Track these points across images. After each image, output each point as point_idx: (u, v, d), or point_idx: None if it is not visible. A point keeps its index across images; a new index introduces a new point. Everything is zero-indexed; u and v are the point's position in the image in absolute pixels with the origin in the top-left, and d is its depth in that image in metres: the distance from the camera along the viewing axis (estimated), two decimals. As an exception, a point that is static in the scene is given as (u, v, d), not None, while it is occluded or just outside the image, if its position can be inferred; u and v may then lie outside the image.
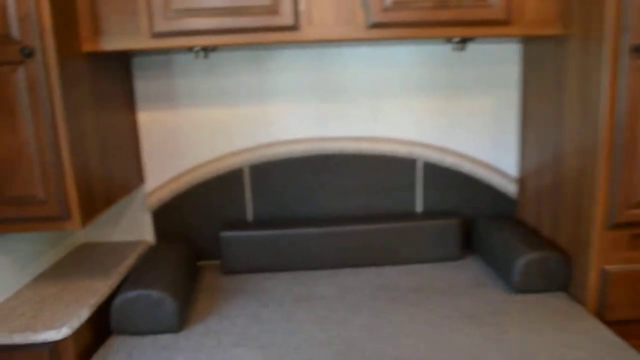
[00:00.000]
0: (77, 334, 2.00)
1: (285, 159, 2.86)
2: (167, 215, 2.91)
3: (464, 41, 2.39)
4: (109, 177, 2.38)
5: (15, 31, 1.86)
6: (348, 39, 2.20)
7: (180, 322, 2.16)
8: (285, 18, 2.14)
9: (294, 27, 2.16)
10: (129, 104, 2.70)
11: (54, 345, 1.91)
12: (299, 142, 2.85)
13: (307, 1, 2.16)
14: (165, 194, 2.88)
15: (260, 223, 2.84)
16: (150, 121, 2.80)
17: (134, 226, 2.93)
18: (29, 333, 1.88)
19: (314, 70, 2.78)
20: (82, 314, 2.03)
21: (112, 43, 2.16)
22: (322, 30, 2.18)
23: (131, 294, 2.12)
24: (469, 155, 2.91)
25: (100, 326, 2.21)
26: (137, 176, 2.78)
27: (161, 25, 2.12)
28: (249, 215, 2.91)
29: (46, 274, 2.45)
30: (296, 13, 2.14)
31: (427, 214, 2.90)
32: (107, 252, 2.74)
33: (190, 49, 2.34)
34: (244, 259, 2.73)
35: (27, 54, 1.86)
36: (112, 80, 2.45)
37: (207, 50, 2.37)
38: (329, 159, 2.87)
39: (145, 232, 2.93)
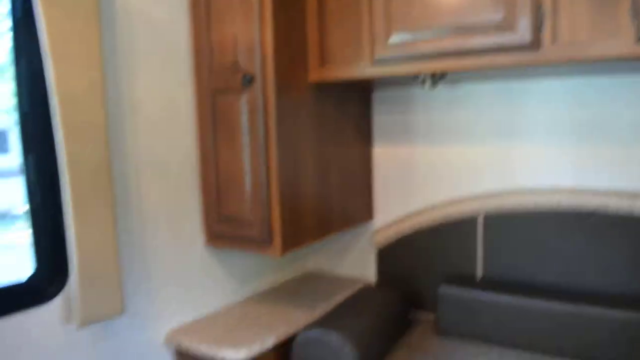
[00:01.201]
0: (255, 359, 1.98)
1: (528, 211, 2.33)
2: (390, 256, 2.71)
3: None
4: (328, 208, 2.33)
5: (242, 60, 1.99)
6: (610, 57, 1.63)
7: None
8: (522, 35, 1.72)
9: (533, 46, 1.72)
10: (364, 137, 2.64)
11: (230, 365, 1.93)
12: (548, 193, 2.28)
13: (553, 11, 1.69)
14: (391, 234, 2.69)
15: (488, 283, 2.37)
16: (384, 156, 2.68)
17: (358, 262, 2.83)
18: (214, 347, 1.93)
19: (573, 104, 2.20)
20: (267, 341, 2.00)
21: (335, 72, 2.12)
22: (572, 48, 1.67)
23: (313, 333, 2.00)
24: None
25: (284, 357, 2.14)
26: (365, 211, 2.68)
27: (382, 52, 1.98)
28: (478, 271, 2.47)
29: (262, 294, 2.54)
30: (536, 28, 1.70)
31: None
32: (326, 284, 2.71)
33: (415, 77, 2.13)
34: (460, 321, 2.30)
35: (248, 80, 1.97)
36: (343, 111, 2.43)
37: (435, 77, 2.12)
38: (585, 216, 2.20)
39: (368, 270, 2.80)
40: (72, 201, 1.66)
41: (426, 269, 2.60)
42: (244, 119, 2.02)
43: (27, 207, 1.80)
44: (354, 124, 2.52)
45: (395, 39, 1.93)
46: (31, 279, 1.80)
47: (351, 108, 2.50)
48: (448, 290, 2.35)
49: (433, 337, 2.35)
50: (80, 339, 1.81)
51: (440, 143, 2.53)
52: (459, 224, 2.50)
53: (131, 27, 1.92)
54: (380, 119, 2.67)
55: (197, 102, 2.17)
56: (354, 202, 2.56)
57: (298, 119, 2.11)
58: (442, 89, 2.46)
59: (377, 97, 2.68)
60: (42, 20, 1.57)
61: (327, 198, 2.32)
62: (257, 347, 1.95)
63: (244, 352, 1.91)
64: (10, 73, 1.77)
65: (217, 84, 2.09)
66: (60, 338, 1.76)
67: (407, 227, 2.64)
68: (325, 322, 2.09)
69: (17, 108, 1.77)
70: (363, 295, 2.44)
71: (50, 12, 1.58)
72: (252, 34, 1.95)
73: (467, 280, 2.42)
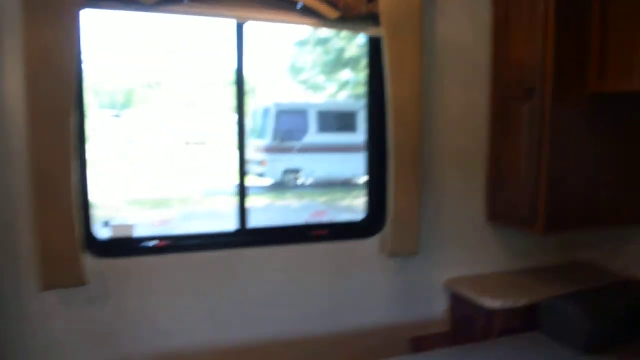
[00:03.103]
0: (505, 312, 2.50)
1: None
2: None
3: None
4: (595, 202, 2.61)
5: (526, 75, 2.50)
6: None
7: (591, 343, 2.26)
8: None
9: None
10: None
11: (488, 312, 2.51)
12: None
13: None
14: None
15: None
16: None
17: (633, 261, 2.95)
18: (478, 295, 2.56)
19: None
20: (519, 301, 2.51)
21: (615, 85, 2.41)
22: None
23: (555, 301, 2.40)
24: None
25: (529, 317, 2.53)
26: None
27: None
28: None
29: (527, 270, 2.97)
30: None
31: None
32: (591, 274, 2.95)
33: None
34: None
35: (530, 92, 2.47)
36: (623, 117, 2.65)
37: None
38: None
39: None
40: (393, 173, 2.51)
41: None
42: (525, 122, 2.54)
43: (365, 176, 2.76)
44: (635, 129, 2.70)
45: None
46: (363, 220, 2.78)
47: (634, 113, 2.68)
48: None
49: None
50: (387, 266, 2.71)
51: None
52: None
53: (444, 51, 2.69)
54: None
55: (490, 107, 2.78)
56: (628, 201, 2.73)
57: (572, 124, 2.50)
58: None
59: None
60: (387, 49, 2.43)
61: (594, 193, 2.62)
62: (510, 303, 2.49)
63: (498, 303, 2.48)
64: (364, 77, 2.76)
65: (506, 93, 2.66)
66: (374, 263, 2.69)
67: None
68: (571, 296, 2.45)
69: (366, 103, 2.76)
70: (621, 286, 2.66)
71: (392, 44, 2.44)
72: (535, 53, 2.44)
73: None
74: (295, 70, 10.92)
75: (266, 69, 11.05)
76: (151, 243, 2.43)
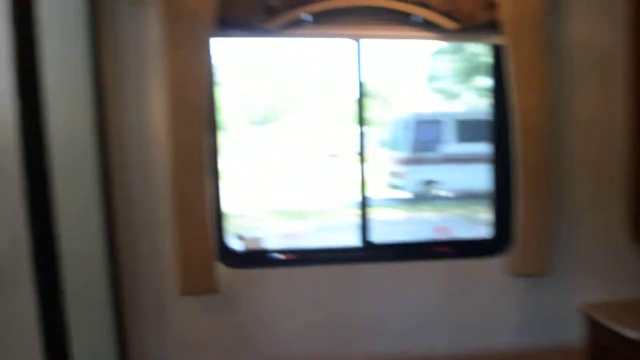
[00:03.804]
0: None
1: None
2: None
3: None
4: None
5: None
6: None
7: None
8: None
9: None
10: None
11: (630, 343, 2.20)
12: None
13: None
14: None
15: None
16: None
17: None
18: (620, 324, 2.26)
19: None
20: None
21: None
22: None
23: None
24: None
25: None
26: None
27: None
28: None
29: None
30: None
31: None
32: None
33: None
34: None
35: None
36: None
37: None
38: None
39: None
40: (520, 186, 2.36)
41: None
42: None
43: (490, 188, 2.63)
44: None
45: None
46: (489, 237, 2.64)
47: None
48: None
49: None
50: (514, 287, 2.54)
51: None
52: None
53: (575, 55, 2.47)
54: None
55: (630, 114, 2.46)
56: None
57: None
58: None
59: None
60: (510, 57, 2.31)
61: None
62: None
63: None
64: (488, 91, 2.64)
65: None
66: (501, 283, 2.54)
67: None
68: None
69: (490, 115, 2.63)
70: None
71: (516, 52, 2.31)
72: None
73: None
74: (433, 79, 10.72)
75: (403, 80, 11.03)
76: (279, 256, 2.58)
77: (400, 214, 9.13)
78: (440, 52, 10.16)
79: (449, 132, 9.45)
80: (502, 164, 2.56)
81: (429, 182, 9.60)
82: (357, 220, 2.66)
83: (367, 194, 2.65)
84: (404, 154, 9.55)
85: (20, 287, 1.54)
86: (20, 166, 1.50)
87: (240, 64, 9.49)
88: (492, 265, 2.53)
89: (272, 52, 9.55)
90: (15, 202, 1.48)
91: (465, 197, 9.46)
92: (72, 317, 1.69)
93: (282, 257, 2.58)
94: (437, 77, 10.70)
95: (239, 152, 10.29)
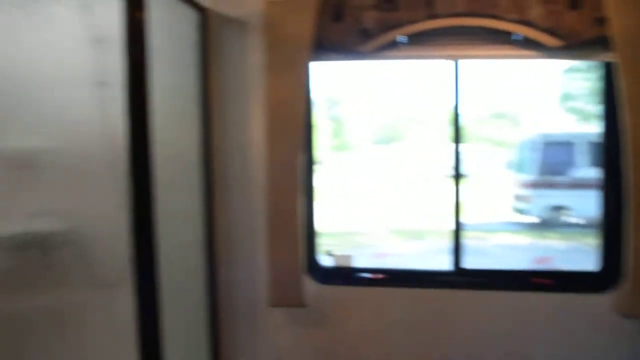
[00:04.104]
0: None
1: None
2: None
3: None
4: None
5: None
6: None
7: None
8: None
9: None
10: None
11: None
12: None
13: None
14: None
15: None
16: None
17: None
18: None
19: None
20: None
21: None
22: None
23: None
24: None
25: None
26: None
27: None
28: None
29: None
30: None
31: None
32: None
33: None
34: None
35: None
36: None
37: None
38: None
39: None
40: (632, 213, 2.13)
41: None
42: None
43: (600, 215, 2.40)
44: None
45: None
46: (596, 271, 2.40)
47: None
48: None
49: None
50: (623, 328, 2.26)
51: None
52: None
53: None
54: None
55: None
56: None
57: None
58: None
59: None
60: (622, 75, 2.12)
61: None
62: None
63: None
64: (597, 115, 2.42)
65: None
66: (608, 323, 2.28)
67: None
68: None
69: (602, 138, 2.41)
70: None
71: (628, 69, 2.11)
72: None
73: None
74: (567, 99, 9.96)
75: (533, 100, 10.41)
76: (368, 275, 2.60)
77: (524, 239, 8.56)
78: (572, 69, 9.41)
79: (581, 154, 8.69)
80: (613, 189, 2.33)
81: (557, 208, 8.90)
82: (451, 244, 2.58)
83: (462, 217, 2.56)
84: (530, 177, 8.97)
85: (121, 289, 1.74)
86: (128, 177, 1.71)
87: (359, 86, 9.70)
88: (600, 302, 2.29)
89: (383, 75, 9.69)
90: (122, 209, 1.70)
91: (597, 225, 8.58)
92: (168, 320, 1.86)
93: (370, 276, 2.59)
94: (571, 96, 9.91)
95: (363, 170, 10.44)
